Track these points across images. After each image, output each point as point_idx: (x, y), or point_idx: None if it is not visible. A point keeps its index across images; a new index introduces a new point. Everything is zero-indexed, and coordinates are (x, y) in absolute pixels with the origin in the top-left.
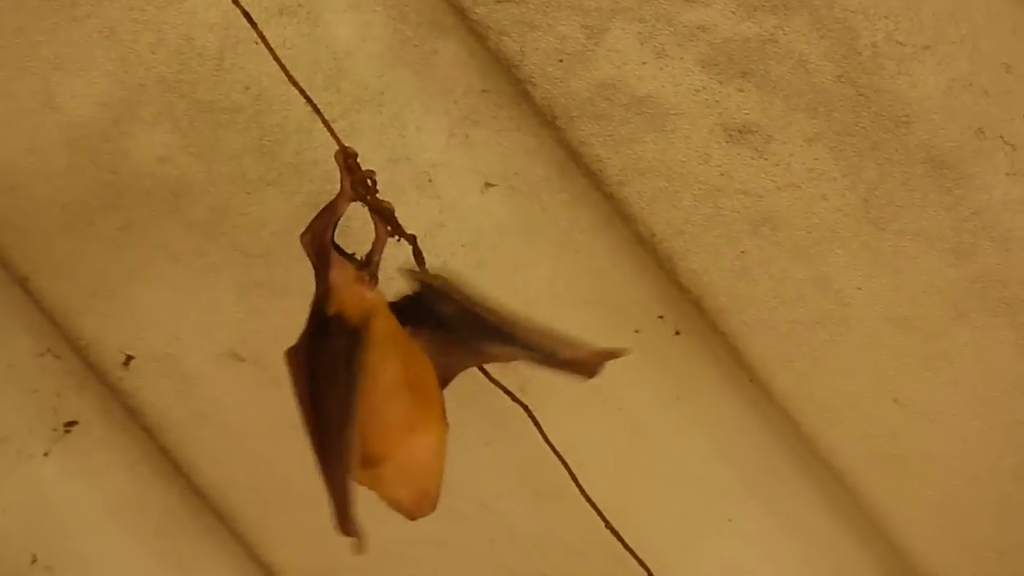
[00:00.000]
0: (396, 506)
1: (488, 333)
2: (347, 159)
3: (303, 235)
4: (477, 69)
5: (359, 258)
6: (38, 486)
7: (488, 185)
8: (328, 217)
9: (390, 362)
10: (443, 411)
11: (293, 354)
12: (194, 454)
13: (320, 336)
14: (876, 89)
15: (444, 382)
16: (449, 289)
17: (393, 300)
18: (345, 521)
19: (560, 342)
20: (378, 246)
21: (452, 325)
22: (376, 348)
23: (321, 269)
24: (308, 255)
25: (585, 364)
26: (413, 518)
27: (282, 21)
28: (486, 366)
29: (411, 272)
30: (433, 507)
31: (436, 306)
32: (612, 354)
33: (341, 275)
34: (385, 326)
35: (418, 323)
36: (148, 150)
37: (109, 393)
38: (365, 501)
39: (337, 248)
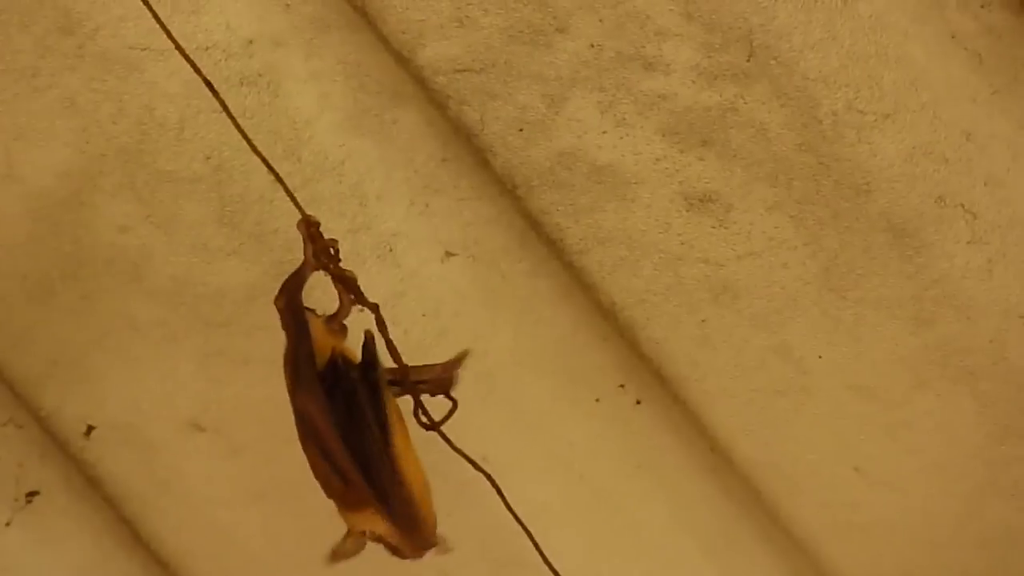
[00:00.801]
0: (397, 545)
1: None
2: (309, 228)
3: (277, 299)
4: (437, 138)
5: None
6: (0, 556)
7: (448, 254)
8: (299, 280)
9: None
10: None
11: (313, 417)
12: (156, 523)
13: (333, 388)
14: (837, 157)
15: None
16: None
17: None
18: (425, 533)
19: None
20: (342, 313)
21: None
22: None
23: (299, 328)
24: (283, 317)
25: (441, 380)
26: (418, 555)
27: (243, 91)
28: (451, 432)
29: None
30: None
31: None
32: (459, 360)
33: (320, 329)
34: None
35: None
36: (109, 220)
37: (71, 463)
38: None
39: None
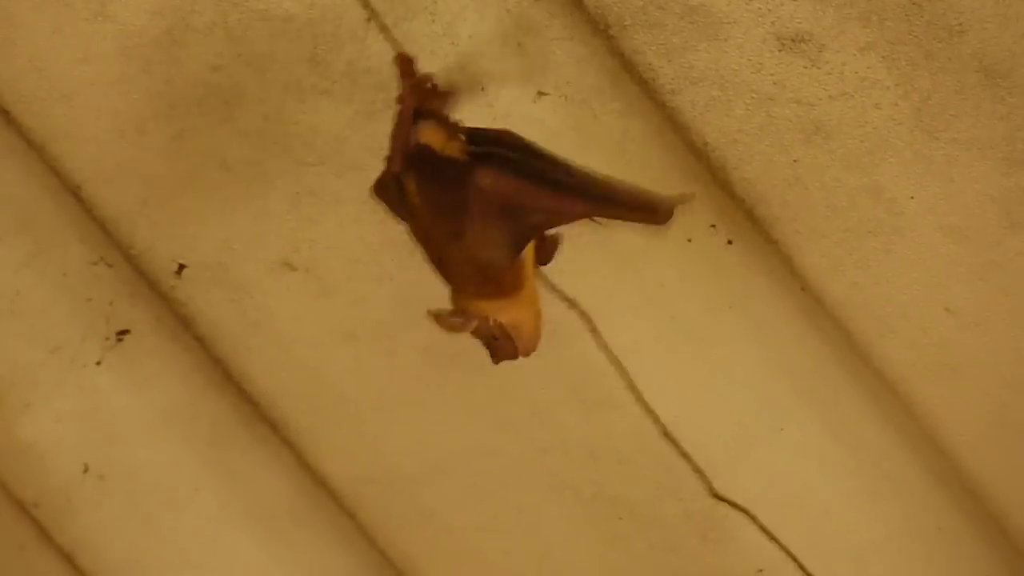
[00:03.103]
0: (519, 331)
1: (559, 181)
2: (404, 64)
3: (382, 179)
4: None
5: None
6: (90, 394)
7: (541, 94)
8: (403, 128)
9: None
10: None
11: (503, 179)
12: (246, 363)
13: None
14: None
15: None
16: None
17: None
18: (663, 198)
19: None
20: None
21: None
22: None
23: (429, 163)
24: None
25: (656, 209)
26: (529, 350)
27: None
28: (545, 272)
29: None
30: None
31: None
32: (680, 199)
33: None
34: None
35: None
36: (201, 59)
37: (161, 302)
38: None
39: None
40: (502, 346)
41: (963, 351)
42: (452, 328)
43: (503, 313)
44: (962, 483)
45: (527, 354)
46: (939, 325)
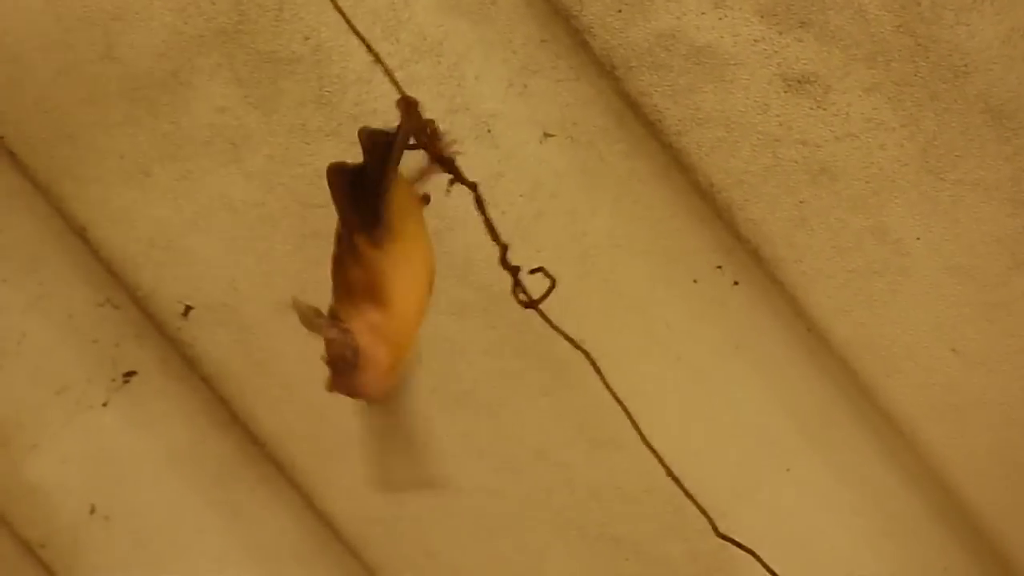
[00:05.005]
0: (368, 361)
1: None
2: (408, 107)
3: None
4: (536, 19)
5: None
6: (97, 436)
7: (547, 135)
8: (385, 147)
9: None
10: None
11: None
12: (252, 404)
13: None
14: (934, 39)
15: None
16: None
17: None
18: None
19: None
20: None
21: None
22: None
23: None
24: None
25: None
26: (369, 388)
27: None
28: (548, 315)
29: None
30: (389, 389)
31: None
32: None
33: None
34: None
35: None
36: (207, 100)
37: (167, 343)
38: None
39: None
40: (342, 371)
41: (969, 391)
42: (311, 326)
43: (364, 334)
44: (968, 523)
45: (366, 394)
46: (945, 365)
